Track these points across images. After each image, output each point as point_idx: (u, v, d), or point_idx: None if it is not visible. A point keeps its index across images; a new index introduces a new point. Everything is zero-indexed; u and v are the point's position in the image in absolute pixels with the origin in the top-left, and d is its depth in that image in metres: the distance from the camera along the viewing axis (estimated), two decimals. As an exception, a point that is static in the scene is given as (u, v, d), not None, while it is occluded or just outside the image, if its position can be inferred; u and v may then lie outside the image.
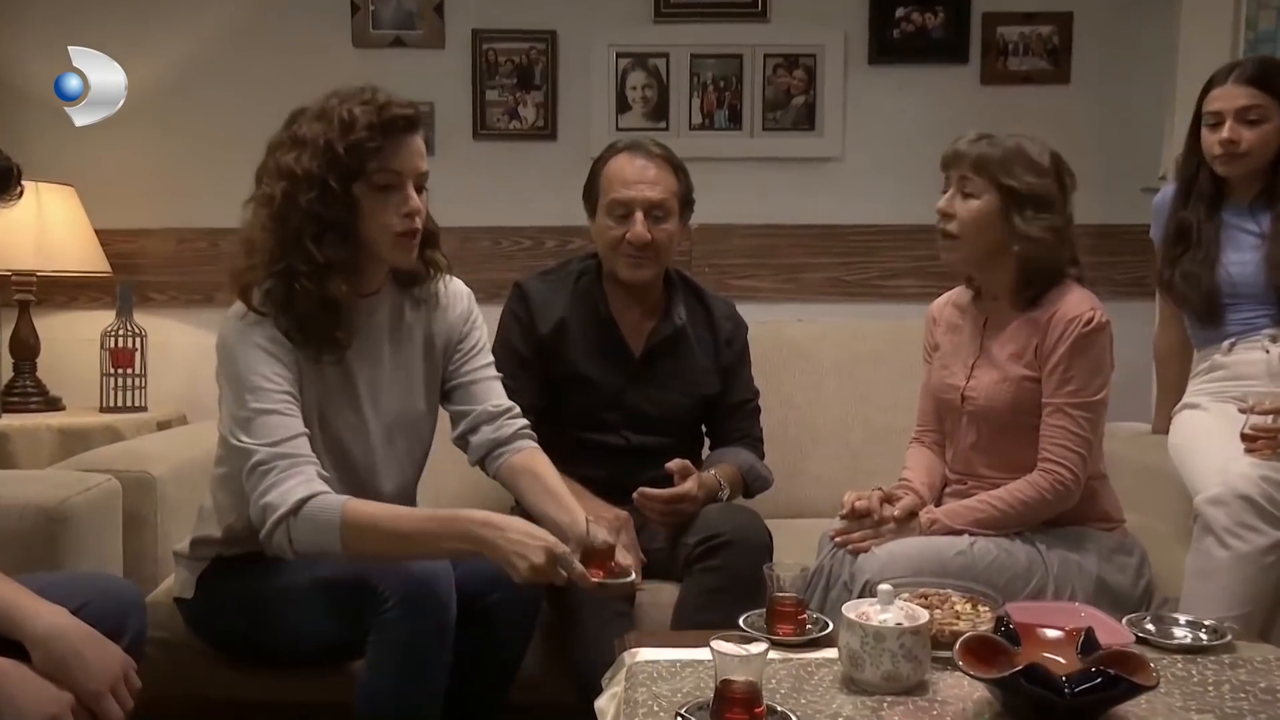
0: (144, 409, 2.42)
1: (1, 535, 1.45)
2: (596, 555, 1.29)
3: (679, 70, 2.65)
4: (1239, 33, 2.47)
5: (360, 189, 1.35)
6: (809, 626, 1.26)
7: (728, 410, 1.95)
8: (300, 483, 1.29)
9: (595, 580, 1.25)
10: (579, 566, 1.24)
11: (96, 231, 2.54)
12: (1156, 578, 1.64)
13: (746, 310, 2.52)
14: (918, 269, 2.67)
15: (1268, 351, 1.80)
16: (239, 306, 1.40)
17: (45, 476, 1.66)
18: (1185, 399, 1.90)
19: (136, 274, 2.64)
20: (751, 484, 1.87)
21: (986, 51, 2.67)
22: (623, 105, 2.66)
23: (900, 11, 2.64)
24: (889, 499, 1.60)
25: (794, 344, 2.36)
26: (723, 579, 1.56)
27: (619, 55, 2.65)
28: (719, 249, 2.68)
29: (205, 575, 1.49)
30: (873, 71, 2.68)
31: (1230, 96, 1.81)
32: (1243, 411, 1.62)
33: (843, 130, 2.68)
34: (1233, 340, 1.85)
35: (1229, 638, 1.13)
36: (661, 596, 1.65)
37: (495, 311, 2.60)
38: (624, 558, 1.34)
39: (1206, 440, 1.73)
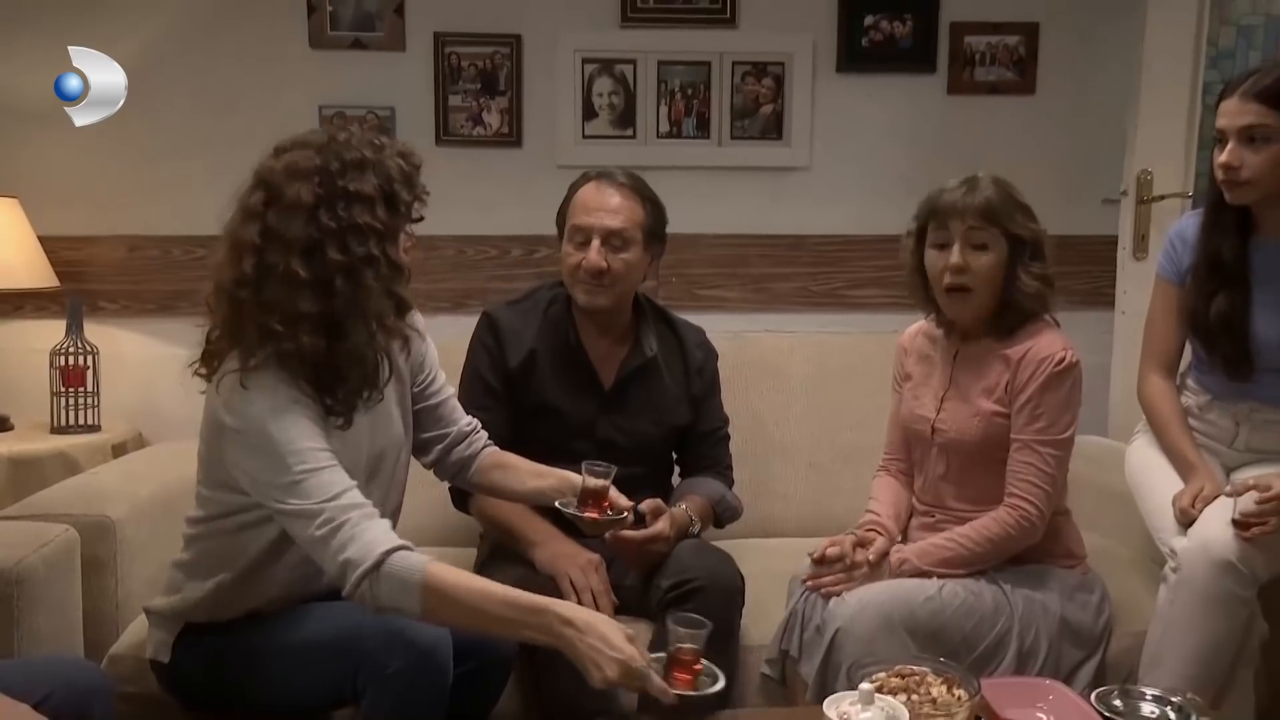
0: (97, 428, 2.36)
1: None
2: (592, 496, 1.44)
3: (646, 77, 2.61)
4: (1200, 49, 2.49)
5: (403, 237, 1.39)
6: (703, 677, 1.28)
7: (698, 439, 1.95)
8: (381, 534, 1.25)
9: (675, 694, 1.24)
10: (658, 681, 1.22)
11: (41, 239, 2.46)
12: (1116, 609, 1.69)
13: (714, 320, 2.53)
14: (883, 279, 2.68)
15: (1240, 421, 1.75)
16: (234, 379, 1.31)
17: None
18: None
19: (85, 283, 2.56)
20: (721, 515, 1.88)
21: (954, 61, 2.67)
22: (589, 112, 2.62)
23: (869, 20, 2.62)
24: (862, 543, 1.62)
25: (762, 361, 2.36)
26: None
27: (585, 61, 2.60)
28: (686, 259, 2.66)
29: (184, 635, 1.44)
30: (841, 80, 2.66)
31: (1236, 113, 1.63)
32: (1229, 495, 1.58)
33: (810, 139, 2.67)
34: (1207, 400, 1.80)
35: (1192, 717, 1.16)
36: (638, 638, 1.64)
37: (459, 320, 2.59)
38: (619, 498, 1.52)
39: (1163, 477, 1.75)
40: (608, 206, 1.77)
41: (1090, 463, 2.12)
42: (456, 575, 1.28)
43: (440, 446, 1.61)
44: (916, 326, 1.85)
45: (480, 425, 1.67)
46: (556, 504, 1.58)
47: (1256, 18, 2.56)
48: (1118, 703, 1.17)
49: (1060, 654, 1.57)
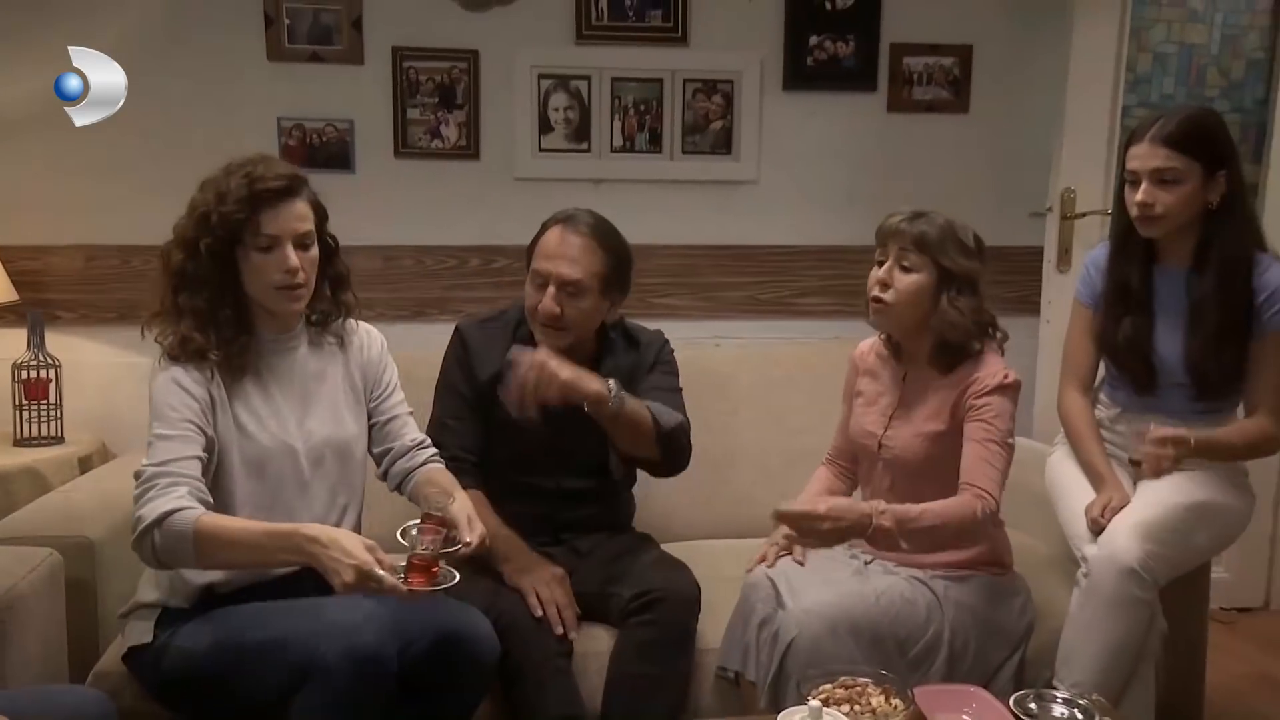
0: (60, 440, 2.39)
1: None
2: (417, 564, 1.43)
3: (601, 93, 2.69)
4: (1120, 74, 2.66)
5: (241, 252, 1.53)
6: (440, 578, 1.44)
7: (645, 394, 1.87)
8: (170, 499, 1.42)
9: (407, 588, 1.39)
10: (389, 581, 1.37)
11: (-2, 249, 2.46)
12: (1037, 604, 1.85)
13: (666, 328, 2.60)
14: (826, 288, 2.82)
15: (1143, 434, 1.86)
16: (160, 356, 1.57)
17: None
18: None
19: (43, 292, 2.57)
20: (659, 419, 1.78)
21: (893, 80, 2.79)
22: (545, 126, 2.69)
23: (814, 40, 2.73)
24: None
25: (712, 371, 2.46)
26: (656, 632, 1.69)
27: (541, 76, 2.67)
28: (640, 269, 2.66)
29: (161, 620, 1.55)
30: (787, 97, 2.77)
31: (1146, 156, 1.78)
32: (1137, 443, 1.76)
33: (758, 154, 2.78)
34: (1117, 412, 1.97)
35: (1096, 717, 1.32)
36: (598, 645, 1.76)
37: (418, 329, 2.67)
38: (464, 531, 1.50)
39: (1078, 488, 1.92)
40: (567, 255, 1.80)
41: (1016, 464, 2.29)
42: (225, 521, 1.46)
43: (386, 459, 1.75)
44: (869, 343, 1.95)
45: (431, 444, 1.78)
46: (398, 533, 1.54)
47: (1170, 45, 2.74)
48: (1032, 705, 1.32)
49: (987, 654, 1.72)
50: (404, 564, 1.43)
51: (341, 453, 1.65)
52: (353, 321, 1.73)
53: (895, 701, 1.24)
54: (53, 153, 2.55)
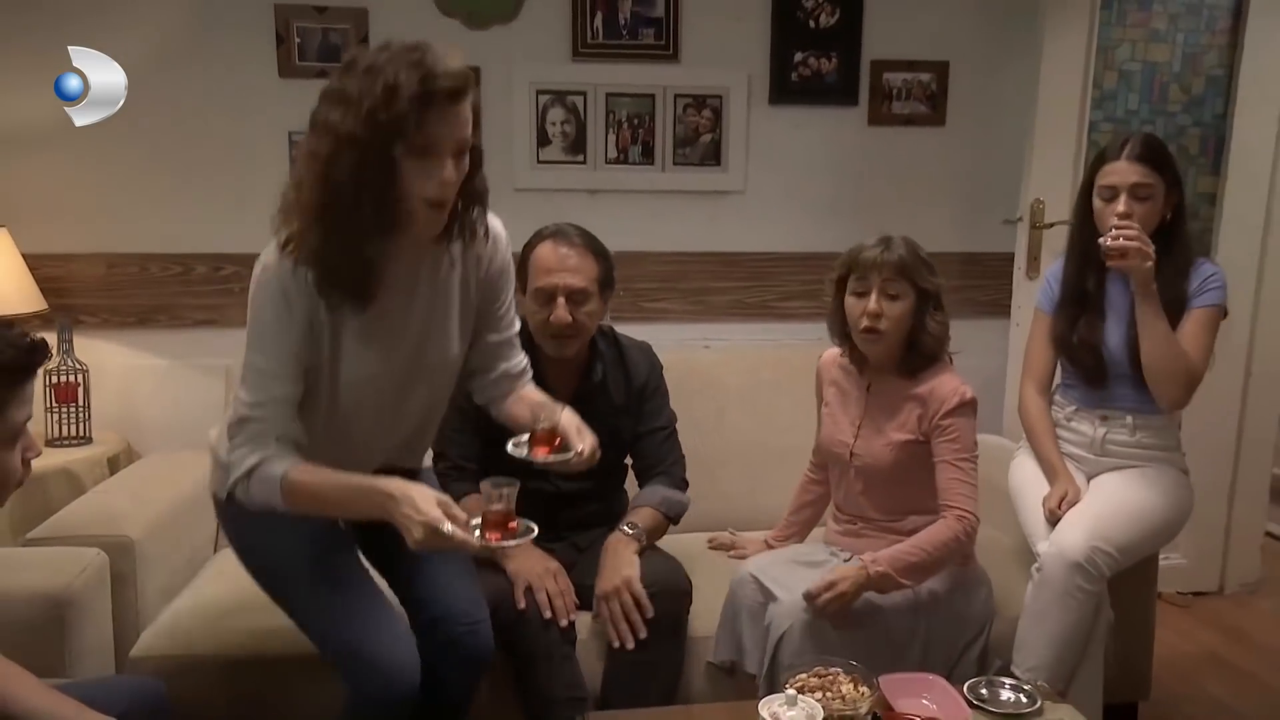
0: (89, 440, 2.53)
1: (12, 623, 1.60)
2: (492, 519, 1.43)
3: (596, 107, 2.82)
4: (1087, 90, 2.81)
5: (400, 151, 1.35)
6: (518, 533, 1.45)
7: (641, 438, 2.13)
8: (259, 449, 1.44)
9: (481, 543, 1.41)
10: (459, 537, 1.38)
11: (26, 256, 2.57)
12: (998, 593, 2.01)
13: (658, 330, 2.81)
14: (807, 291, 2.96)
15: (1096, 425, 2.11)
16: (273, 245, 1.44)
17: (39, 558, 1.79)
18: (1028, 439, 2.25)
19: (67, 298, 2.69)
20: (669, 513, 2.07)
21: (874, 95, 2.93)
22: (543, 139, 2.83)
23: (798, 57, 2.87)
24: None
25: (701, 373, 2.61)
26: (650, 623, 1.85)
27: (539, 92, 2.80)
28: (634, 274, 2.90)
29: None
30: (773, 111, 2.91)
31: (1126, 172, 1.97)
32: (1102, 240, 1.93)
33: (745, 165, 2.92)
34: (1073, 410, 2.15)
35: (1039, 703, 1.49)
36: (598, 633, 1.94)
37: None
38: (575, 440, 1.55)
39: (1034, 489, 2.09)
40: (567, 266, 1.93)
41: (983, 461, 2.46)
42: (307, 474, 1.46)
43: (489, 376, 1.72)
44: (832, 354, 2.11)
45: (528, 364, 1.77)
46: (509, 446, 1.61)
47: (1135, 63, 2.88)
48: (984, 691, 1.50)
49: (954, 640, 1.90)
50: (478, 520, 1.43)
51: (445, 373, 1.63)
52: (488, 227, 1.58)
53: (863, 689, 1.41)
54: (75, 165, 2.67)
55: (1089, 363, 2.09)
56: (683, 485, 2.16)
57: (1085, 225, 2.08)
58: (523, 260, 1.99)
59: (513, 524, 1.45)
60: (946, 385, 1.91)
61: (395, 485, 1.42)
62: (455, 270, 1.58)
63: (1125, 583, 2.03)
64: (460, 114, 1.37)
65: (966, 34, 2.94)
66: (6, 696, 1.26)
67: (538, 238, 2.01)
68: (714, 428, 2.57)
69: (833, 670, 1.45)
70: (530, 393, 1.73)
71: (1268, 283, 2.99)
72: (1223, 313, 2.05)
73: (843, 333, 2.00)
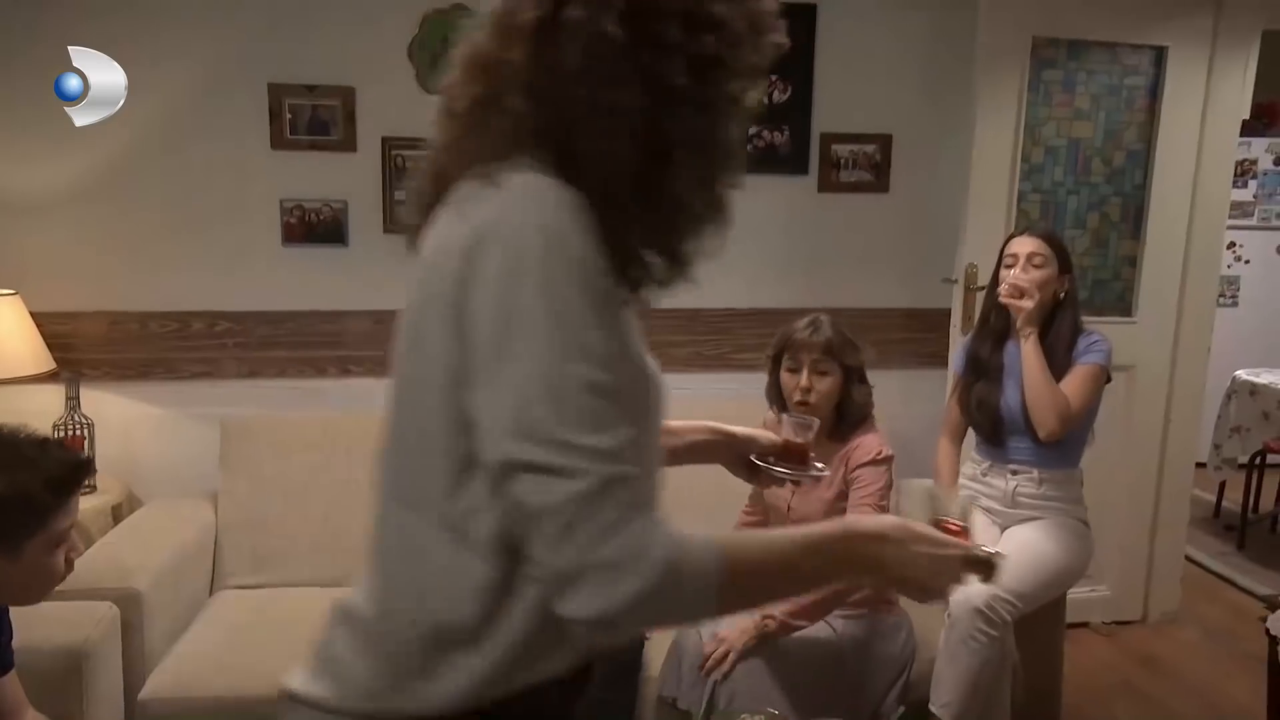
0: (94, 489, 2.73)
1: (34, 675, 1.72)
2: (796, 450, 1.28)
3: (565, 176, 3.05)
4: (1016, 162, 3.07)
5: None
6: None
7: None
8: (653, 524, 0.81)
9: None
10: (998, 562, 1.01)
11: (33, 315, 2.76)
12: (921, 634, 2.25)
13: (622, 381, 3.03)
14: (762, 344, 3.13)
15: (1008, 479, 2.38)
16: (536, 181, 0.86)
17: (57, 614, 1.92)
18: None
19: (71, 353, 2.89)
20: None
21: (823, 165, 3.17)
22: (516, 206, 3.05)
23: (753, 130, 3.11)
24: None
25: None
26: (610, 664, 2.07)
27: (513, 163, 3.02)
28: (599, 329, 3.14)
29: None
30: (730, 180, 3.14)
31: (1024, 243, 2.36)
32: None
33: (704, 229, 3.15)
34: (988, 464, 2.43)
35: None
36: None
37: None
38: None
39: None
40: None
41: (921, 503, 2.72)
42: (749, 542, 0.96)
43: None
44: (771, 419, 2.35)
45: None
46: (755, 459, 1.33)
47: (1060, 140, 3.13)
48: (887, 732, 1.74)
49: (877, 679, 2.14)
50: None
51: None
52: None
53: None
54: (79, 229, 2.88)
55: (985, 423, 2.40)
56: None
57: (989, 298, 2.44)
58: None
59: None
60: (868, 443, 2.17)
61: (876, 522, 0.97)
62: None
63: (1036, 618, 2.28)
64: None
65: (908, 109, 3.19)
66: None
67: None
68: (674, 472, 2.78)
69: (757, 718, 1.68)
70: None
71: (1184, 337, 3.26)
72: (1106, 376, 2.34)
73: (780, 402, 2.24)
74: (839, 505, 2.17)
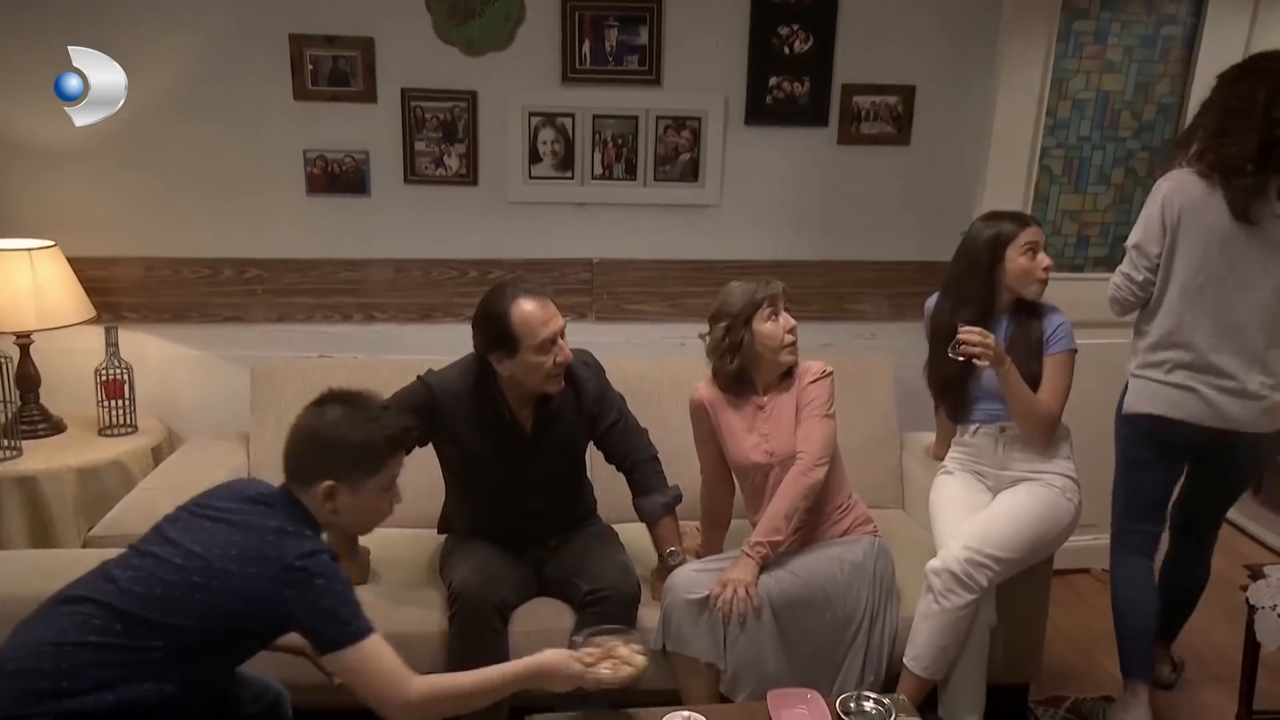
0: (134, 428, 2.91)
1: None
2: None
3: (583, 128, 3.06)
4: (1041, 118, 3.01)
5: None
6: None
7: (604, 435, 2.41)
8: None
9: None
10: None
11: (71, 260, 2.89)
12: (914, 583, 2.35)
13: (638, 329, 3.15)
14: (777, 296, 3.24)
15: (997, 438, 2.44)
16: None
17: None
18: (946, 462, 2.57)
19: (109, 296, 3.03)
20: (674, 509, 2.41)
21: (843, 117, 3.13)
22: (534, 157, 3.08)
23: (773, 81, 3.08)
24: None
25: (677, 369, 2.87)
26: (604, 620, 2.19)
27: (531, 114, 3.04)
28: (617, 279, 3.20)
29: None
30: (748, 131, 3.12)
31: (1036, 234, 2.39)
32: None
33: (721, 181, 3.16)
34: (976, 426, 2.48)
35: (894, 714, 1.84)
36: (561, 622, 2.29)
37: (425, 329, 3.14)
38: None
39: (945, 509, 2.42)
40: (552, 311, 2.20)
41: (921, 465, 2.82)
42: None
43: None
44: (705, 388, 2.43)
45: None
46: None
47: (1089, 93, 3.06)
48: (851, 705, 1.86)
49: (871, 601, 2.26)
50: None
51: None
52: None
53: (634, 646, 1.84)
54: (113, 178, 2.98)
55: (950, 401, 2.51)
56: (659, 471, 2.44)
57: (986, 282, 2.42)
58: (503, 325, 2.16)
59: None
60: (812, 367, 2.36)
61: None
62: None
63: (1023, 576, 2.36)
64: None
65: (931, 60, 3.12)
66: None
67: (509, 301, 2.17)
68: (680, 426, 2.87)
69: (611, 642, 1.87)
70: None
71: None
72: (1072, 353, 2.40)
73: (739, 367, 2.34)
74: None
